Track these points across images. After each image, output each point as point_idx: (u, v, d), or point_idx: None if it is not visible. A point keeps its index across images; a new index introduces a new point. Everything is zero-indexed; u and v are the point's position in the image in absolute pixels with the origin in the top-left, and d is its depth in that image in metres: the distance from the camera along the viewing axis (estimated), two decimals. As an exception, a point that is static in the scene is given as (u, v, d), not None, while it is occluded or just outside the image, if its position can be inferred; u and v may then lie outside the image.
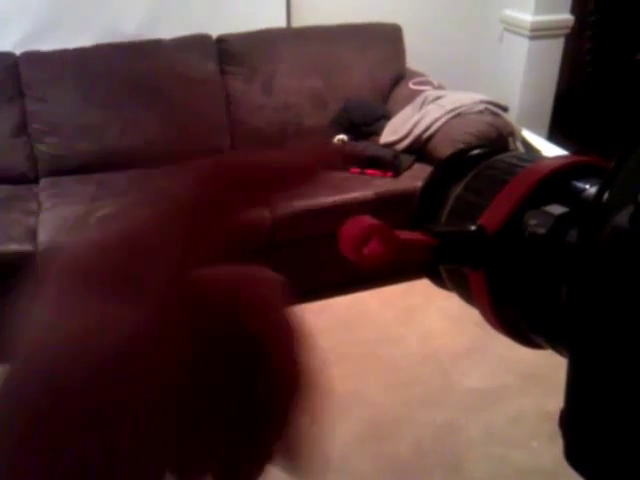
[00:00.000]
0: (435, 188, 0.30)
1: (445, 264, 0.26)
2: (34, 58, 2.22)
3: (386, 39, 2.58)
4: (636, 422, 0.19)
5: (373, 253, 0.22)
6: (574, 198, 0.25)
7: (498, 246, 0.25)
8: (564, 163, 0.26)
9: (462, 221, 0.27)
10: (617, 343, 0.19)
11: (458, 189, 0.29)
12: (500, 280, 0.25)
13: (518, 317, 0.25)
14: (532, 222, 0.24)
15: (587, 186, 0.25)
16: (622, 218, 0.19)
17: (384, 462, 0.50)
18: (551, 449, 0.51)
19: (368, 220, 0.23)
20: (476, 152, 0.30)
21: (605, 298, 0.19)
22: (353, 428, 0.52)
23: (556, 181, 0.26)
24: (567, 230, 0.23)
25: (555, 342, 0.25)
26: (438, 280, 0.30)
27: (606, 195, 0.22)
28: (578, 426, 0.21)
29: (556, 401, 0.58)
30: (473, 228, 0.25)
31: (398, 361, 0.60)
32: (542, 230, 0.24)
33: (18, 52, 2.22)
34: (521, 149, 2.18)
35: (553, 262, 0.23)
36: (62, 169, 2.21)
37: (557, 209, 0.24)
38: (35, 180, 2.20)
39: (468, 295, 0.27)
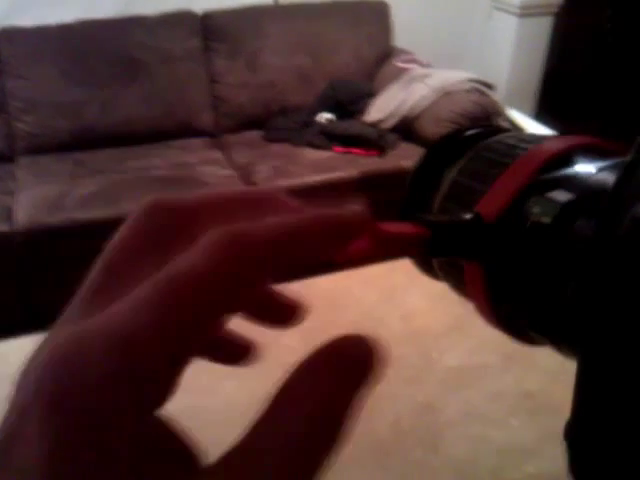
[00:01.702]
0: (428, 171, 0.27)
1: (439, 256, 0.23)
2: (12, 34, 2.16)
3: (373, 16, 2.54)
4: None
5: (356, 249, 0.19)
6: (580, 184, 0.22)
7: (497, 236, 0.22)
8: (568, 145, 0.24)
9: (459, 208, 0.25)
10: (635, 344, 0.17)
11: (453, 173, 0.26)
12: (498, 273, 0.23)
13: (517, 314, 0.23)
14: (535, 210, 0.22)
15: (593, 170, 0.23)
16: None
17: (364, 440, 0.50)
18: (530, 427, 0.51)
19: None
20: (472, 132, 0.28)
21: (622, 296, 0.17)
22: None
23: (558, 164, 0.23)
24: (574, 219, 0.21)
25: (559, 342, 0.22)
26: (428, 269, 0.28)
27: (625, 184, 0.19)
28: (586, 439, 0.19)
29: (536, 379, 0.58)
30: (469, 216, 0.23)
31: (380, 340, 0.60)
32: (547, 219, 0.21)
33: (-5, 27, 2.16)
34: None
35: (559, 254, 0.21)
36: (41, 147, 2.16)
37: (562, 195, 0.22)
38: (12, 159, 2.16)
39: (462, 287, 0.25)
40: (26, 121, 2.16)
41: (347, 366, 0.15)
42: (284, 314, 0.23)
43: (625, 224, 0.18)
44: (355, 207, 0.18)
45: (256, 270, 0.15)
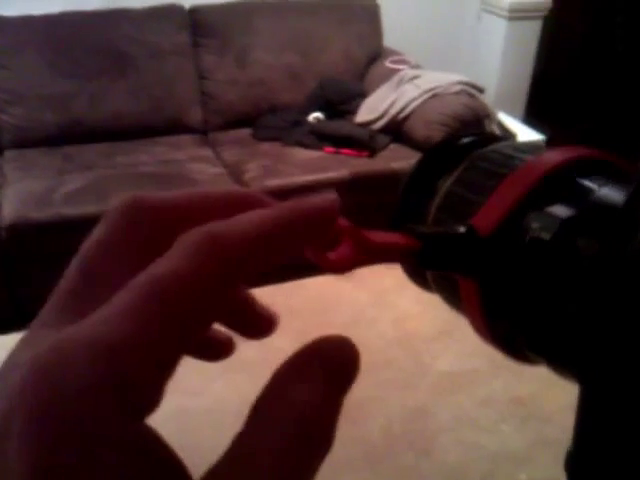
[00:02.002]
0: (422, 179, 0.26)
1: (430, 269, 0.22)
2: (-3, 23, 2.13)
3: (364, 16, 2.54)
4: None
5: (341, 258, 0.19)
6: (581, 200, 0.21)
7: (492, 250, 0.21)
8: (568, 157, 0.23)
9: (454, 219, 0.24)
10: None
11: (448, 182, 0.25)
12: (494, 289, 0.22)
13: (513, 332, 0.22)
14: (534, 225, 0.21)
15: (595, 186, 0.22)
16: None
17: (355, 445, 0.50)
18: (521, 433, 0.51)
19: (344, 225, 0.19)
20: (467, 140, 0.27)
21: (629, 319, 0.17)
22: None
23: (558, 177, 0.22)
24: (575, 236, 0.20)
25: (557, 363, 0.22)
26: (419, 280, 0.27)
27: (635, 204, 0.19)
28: (587, 469, 0.19)
29: (526, 386, 0.58)
30: (462, 229, 0.22)
31: (370, 344, 0.60)
32: (546, 235, 0.21)
33: (-21, 17, 2.12)
34: (497, 131, 2.19)
35: (559, 272, 0.20)
36: (27, 141, 2.13)
37: (563, 211, 0.21)
38: (0, 152, 2.13)
39: (456, 302, 0.24)
40: (12, 113, 2.13)
41: (334, 368, 0.15)
42: (256, 324, 0.22)
43: (634, 245, 0.17)
44: (326, 195, 0.18)
45: (237, 270, 0.15)
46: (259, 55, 2.37)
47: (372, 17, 2.55)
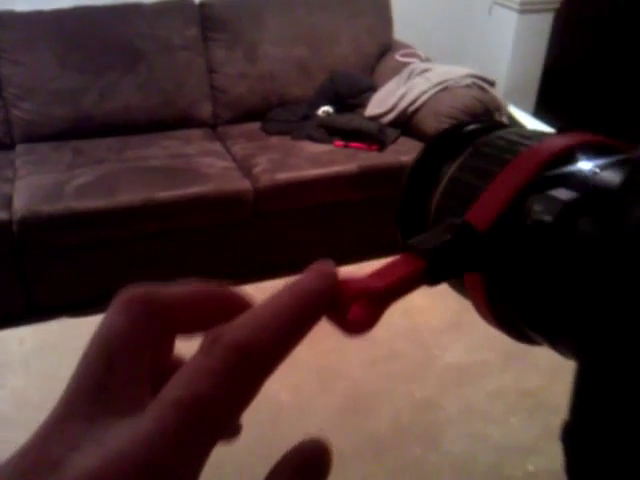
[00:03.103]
0: (426, 166, 0.27)
1: (439, 283, 0.22)
2: (8, 18, 2.14)
3: (373, 9, 2.53)
4: None
5: (359, 318, 0.19)
6: (583, 183, 0.22)
7: (492, 242, 0.22)
8: (571, 143, 0.23)
9: (458, 205, 0.24)
10: (637, 349, 0.17)
11: (452, 169, 0.25)
12: (498, 275, 0.23)
13: (515, 313, 0.23)
14: (536, 208, 0.21)
15: (597, 169, 0.22)
16: None
17: (363, 437, 0.50)
18: (530, 425, 0.51)
19: (348, 287, 0.20)
20: (472, 127, 0.27)
21: (625, 297, 0.17)
22: (332, 403, 0.51)
23: (561, 162, 0.23)
24: (577, 218, 0.21)
25: (557, 342, 0.22)
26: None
27: (632, 184, 0.19)
28: (583, 441, 0.19)
29: (535, 378, 0.58)
30: (459, 227, 0.22)
31: (379, 336, 0.60)
32: (548, 218, 0.21)
33: (-9, 12, 2.14)
34: (507, 125, 2.17)
35: (560, 254, 0.21)
36: (38, 135, 2.15)
37: (565, 194, 0.21)
38: (11, 146, 2.14)
39: (459, 286, 0.25)
40: (23, 108, 2.15)
41: (311, 472, 0.18)
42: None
43: (630, 224, 0.17)
44: (321, 270, 0.19)
45: (263, 377, 0.17)
46: (269, 49, 2.37)
47: (382, 10, 2.54)
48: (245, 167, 2.06)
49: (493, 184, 0.23)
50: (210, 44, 2.35)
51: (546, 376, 0.55)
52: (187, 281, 0.20)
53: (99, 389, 0.16)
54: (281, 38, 2.39)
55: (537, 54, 2.89)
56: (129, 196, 1.85)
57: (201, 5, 2.35)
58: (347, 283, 0.20)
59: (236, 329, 0.17)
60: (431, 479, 0.47)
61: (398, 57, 2.44)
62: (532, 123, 2.36)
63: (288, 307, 0.18)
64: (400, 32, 2.59)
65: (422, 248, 0.21)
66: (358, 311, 0.19)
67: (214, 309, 0.20)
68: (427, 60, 2.43)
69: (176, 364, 0.19)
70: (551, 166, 0.23)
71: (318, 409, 0.50)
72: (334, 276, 0.19)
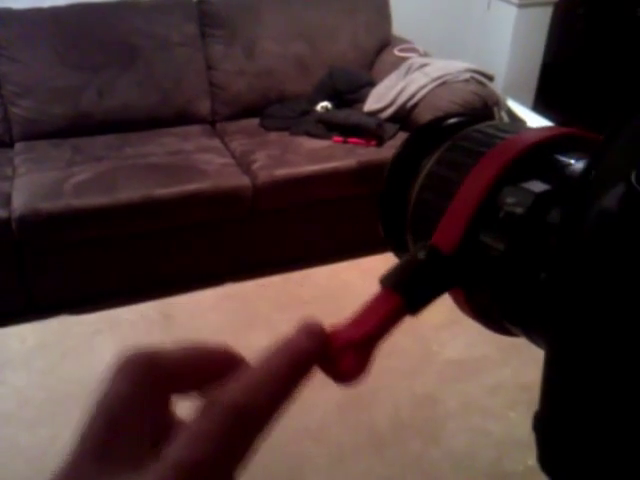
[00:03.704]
0: (407, 160, 0.27)
1: (420, 310, 0.23)
2: (6, 16, 2.13)
3: (372, 4, 2.52)
4: (619, 426, 0.17)
5: (350, 367, 0.21)
6: (557, 174, 0.22)
7: (460, 262, 0.22)
8: (547, 135, 0.23)
9: (436, 198, 0.25)
10: (601, 337, 0.17)
11: (431, 162, 0.26)
12: (474, 275, 0.23)
13: (491, 304, 0.23)
14: (509, 200, 0.21)
15: (572, 161, 0.22)
16: (611, 200, 0.16)
17: (363, 432, 0.50)
18: (529, 420, 0.51)
19: (345, 335, 0.21)
20: (453, 121, 0.27)
21: (588, 288, 0.17)
22: (332, 397, 0.51)
23: (537, 155, 0.23)
24: (548, 210, 0.21)
25: (531, 332, 0.22)
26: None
27: (594, 172, 0.19)
28: (554, 429, 0.19)
29: (534, 372, 0.58)
30: (423, 255, 0.22)
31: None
32: (520, 210, 0.21)
33: (-12, 9, 2.13)
34: (506, 119, 2.17)
35: (532, 245, 0.21)
36: (37, 133, 2.14)
37: (537, 186, 0.21)
38: (10, 144, 2.14)
39: None
40: (21, 106, 2.14)
41: None
42: None
43: (592, 217, 0.17)
44: (308, 330, 0.20)
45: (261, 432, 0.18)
46: (267, 45, 2.36)
47: (380, 5, 2.53)
48: (244, 163, 2.06)
49: (466, 180, 0.23)
50: (208, 40, 2.34)
51: (545, 371, 0.55)
52: (181, 342, 0.21)
53: (103, 450, 0.17)
54: (279, 34, 2.38)
55: (536, 48, 2.88)
56: (128, 193, 1.85)
57: (199, 1, 2.34)
58: (334, 335, 0.21)
59: (232, 391, 0.18)
60: (431, 474, 0.48)
61: (396, 52, 2.44)
62: (531, 117, 2.36)
63: (281, 368, 0.19)
64: (398, 27, 2.59)
65: (396, 284, 0.22)
66: (348, 362, 0.20)
67: (209, 368, 0.21)
68: (425, 55, 2.42)
69: (172, 418, 0.20)
70: (526, 159, 0.23)
71: (318, 404, 0.50)
72: (323, 335, 0.20)
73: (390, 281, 0.22)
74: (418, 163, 0.26)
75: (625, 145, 0.19)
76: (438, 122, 0.27)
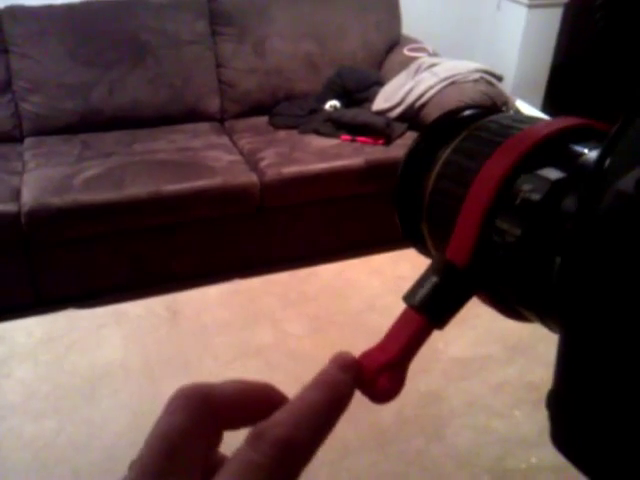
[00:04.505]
0: (422, 151, 0.27)
1: (446, 325, 0.24)
2: (18, 13, 2.14)
3: (381, 3, 2.52)
4: (633, 404, 0.17)
5: (386, 387, 0.22)
6: (572, 163, 0.22)
7: (476, 273, 0.23)
8: (562, 126, 0.24)
9: (453, 185, 0.25)
10: (616, 317, 0.17)
11: (447, 152, 0.26)
12: (489, 266, 0.23)
13: (505, 289, 0.23)
14: (526, 187, 0.22)
15: (586, 150, 0.23)
16: (627, 182, 0.17)
17: (367, 429, 0.50)
18: (534, 418, 0.51)
19: (377, 358, 0.22)
20: (467, 113, 0.27)
21: (604, 269, 0.17)
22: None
23: (553, 145, 0.23)
24: (564, 197, 0.21)
25: (545, 316, 0.23)
26: (421, 248, 0.28)
27: (609, 158, 0.19)
28: (567, 407, 0.20)
29: (540, 371, 0.58)
30: (441, 272, 0.23)
31: (384, 329, 0.60)
32: (537, 196, 0.21)
33: (1, 5, 2.14)
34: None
35: (547, 231, 0.21)
36: (47, 128, 2.16)
37: (553, 173, 0.22)
38: (20, 139, 2.15)
39: None
40: (32, 101, 2.16)
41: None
42: None
43: (607, 199, 0.17)
44: (342, 362, 0.22)
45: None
46: (277, 43, 2.37)
47: (390, 5, 2.53)
48: (252, 161, 2.06)
49: (483, 168, 0.24)
50: (218, 38, 2.35)
51: (550, 369, 0.55)
52: (233, 380, 0.22)
53: (160, 476, 0.18)
54: (289, 33, 2.38)
55: (546, 49, 2.86)
56: (136, 189, 1.85)
57: (210, 0, 2.35)
58: (367, 358, 0.22)
59: (278, 425, 0.19)
60: (434, 471, 0.48)
61: (406, 52, 2.43)
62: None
63: (320, 402, 0.20)
64: (408, 27, 2.58)
65: (420, 304, 0.23)
66: (385, 383, 0.22)
67: (257, 405, 0.22)
68: (435, 55, 2.42)
69: (220, 455, 0.21)
70: (542, 149, 0.23)
71: (322, 401, 0.50)
72: (356, 366, 0.22)
73: (413, 300, 0.23)
74: (434, 153, 0.27)
75: (639, 132, 0.19)
76: (454, 114, 0.28)
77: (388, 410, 0.52)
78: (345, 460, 0.47)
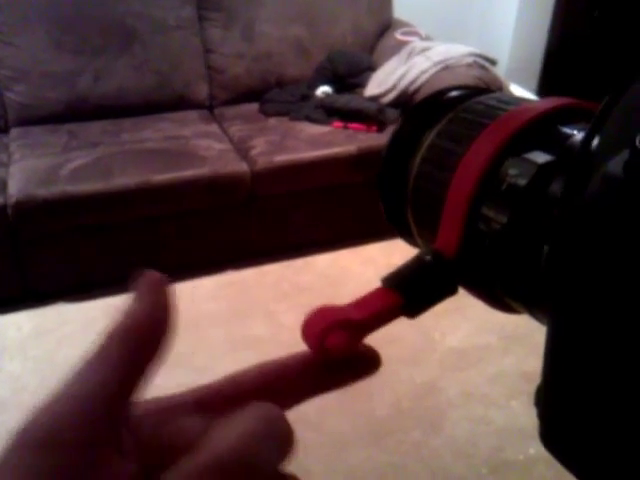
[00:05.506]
0: (407, 134, 0.26)
1: (419, 315, 0.22)
2: (0, -1, 2.10)
3: (372, -14, 2.49)
4: (622, 399, 0.17)
5: (335, 345, 0.20)
6: (560, 145, 0.21)
7: (462, 265, 0.22)
8: (550, 107, 0.23)
9: (437, 170, 0.24)
10: (604, 307, 0.16)
11: (432, 135, 0.25)
12: (473, 256, 0.23)
13: (493, 280, 0.23)
14: (512, 172, 0.21)
15: (575, 132, 0.22)
16: (615, 165, 0.16)
17: (363, 421, 0.50)
18: (530, 409, 0.51)
19: (328, 314, 0.21)
20: (453, 94, 0.26)
21: (592, 258, 0.16)
22: (332, 386, 0.51)
23: (540, 127, 0.22)
24: (552, 181, 0.20)
25: (533, 307, 0.22)
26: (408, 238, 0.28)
27: (596, 139, 0.18)
28: (555, 404, 0.19)
29: (537, 361, 0.57)
30: (429, 259, 0.22)
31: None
32: (523, 181, 0.20)
33: (-18, -8, 2.10)
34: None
35: (535, 218, 0.20)
36: (32, 118, 2.12)
37: (541, 157, 0.21)
38: (5, 130, 2.12)
39: None
40: (17, 91, 2.12)
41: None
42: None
43: (595, 183, 0.16)
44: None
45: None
46: (265, 28, 2.33)
47: (381, -12, 2.50)
48: (242, 149, 2.04)
49: (468, 153, 0.23)
50: (206, 24, 2.31)
51: (548, 359, 0.54)
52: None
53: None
54: (278, 17, 2.35)
55: (540, 32, 2.85)
56: (125, 179, 1.83)
57: (196, -16, 2.30)
58: (328, 311, 0.21)
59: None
60: (431, 462, 0.47)
61: (398, 36, 2.41)
62: (533, 103, 2.34)
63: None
64: (400, 10, 2.56)
65: (399, 284, 0.22)
66: (336, 338, 0.20)
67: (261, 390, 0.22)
68: (427, 38, 2.40)
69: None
70: (530, 131, 0.22)
71: (318, 393, 0.50)
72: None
73: (392, 282, 0.22)
74: (419, 137, 0.26)
75: (626, 111, 0.18)
76: (439, 95, 0.27)
77: (384, 402, 0.52)
78: (342, 453, 0.47)
